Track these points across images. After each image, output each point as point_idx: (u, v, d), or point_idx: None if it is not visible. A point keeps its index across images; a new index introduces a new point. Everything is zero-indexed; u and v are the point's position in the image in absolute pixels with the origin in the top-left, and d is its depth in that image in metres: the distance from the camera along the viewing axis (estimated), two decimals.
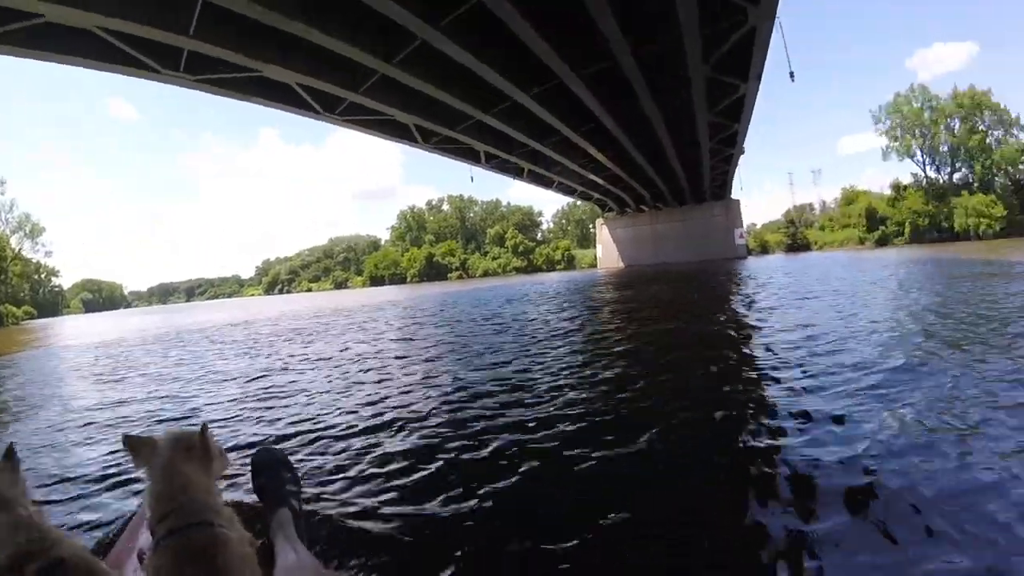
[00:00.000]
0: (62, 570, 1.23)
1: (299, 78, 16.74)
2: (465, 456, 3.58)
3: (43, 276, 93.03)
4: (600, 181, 39.97)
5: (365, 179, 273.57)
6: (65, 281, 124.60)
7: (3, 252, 65.58)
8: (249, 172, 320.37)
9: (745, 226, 56.53)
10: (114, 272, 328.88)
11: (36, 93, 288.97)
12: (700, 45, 15.79)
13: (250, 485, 2.27)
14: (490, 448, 3.67)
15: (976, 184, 62.02)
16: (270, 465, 2.20)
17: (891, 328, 7.00)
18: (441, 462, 3.47)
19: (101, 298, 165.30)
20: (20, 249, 70.92)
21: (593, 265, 79.79)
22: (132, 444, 1.55)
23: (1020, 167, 60.06)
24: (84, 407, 6.58)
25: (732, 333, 7.91)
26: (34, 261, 78.19)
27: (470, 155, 30.67)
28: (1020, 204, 56.76)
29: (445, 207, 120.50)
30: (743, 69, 18.74)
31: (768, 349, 6.23)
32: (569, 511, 2.73)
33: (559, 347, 7.79)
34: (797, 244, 71.56)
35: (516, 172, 36.66)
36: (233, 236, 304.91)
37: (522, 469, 3.26)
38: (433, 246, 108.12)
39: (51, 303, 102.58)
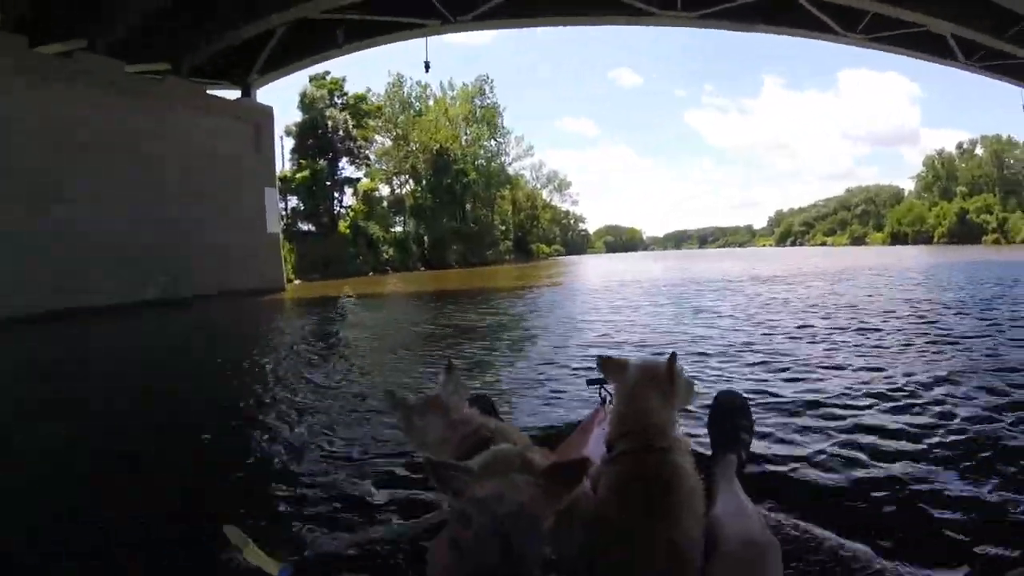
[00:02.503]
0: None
1: None
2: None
3: (572, 221, 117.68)
4: None
5: (879, 124, 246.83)
6: (591, 226, 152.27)
7: (536, 202, 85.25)
8: (754, 122, 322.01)
9: None
10: (633, 220, 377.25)
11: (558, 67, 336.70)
12: None
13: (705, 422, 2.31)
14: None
15: None
16: (729, 409, 2.23)
17: None
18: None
19: (622, 241, 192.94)
20: (551, 200, 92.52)
21: None
22: (605, 364, 1.70)
23: None
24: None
25: None
26: (563, 209, 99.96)
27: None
28: None
29: (979, 151, 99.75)
30: None
31: None
32: None
33: None
34: None
35: None
36: (742, 188, 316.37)
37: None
38: (966, 200, 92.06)
39: (579, 243, 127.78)
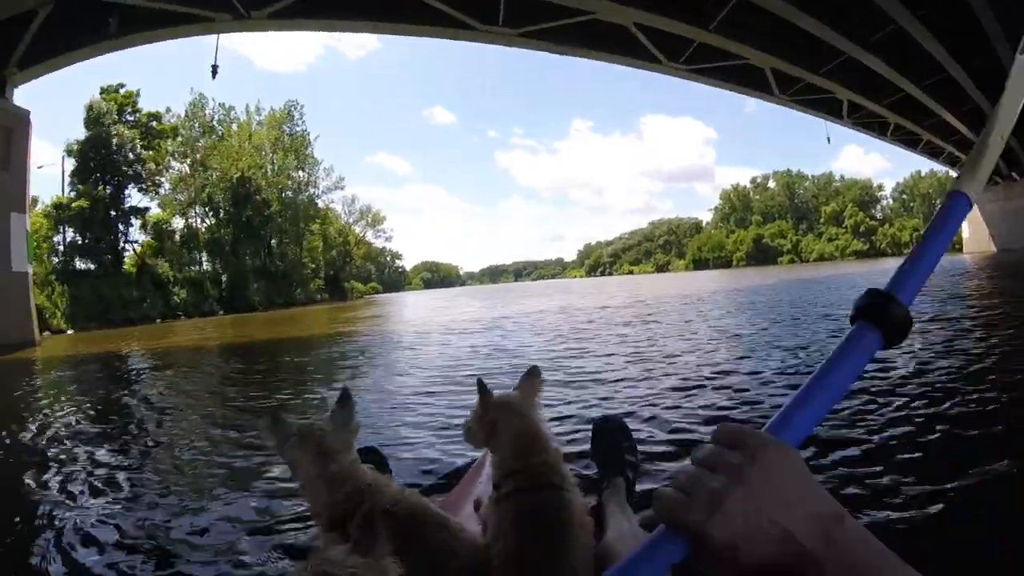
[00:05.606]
0: (384, 520, 1.14)
1: (638, 16, 15.05)
2: None
3: (387, 258, 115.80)
4: (975, 138, 32.37)
5: (677, 163, 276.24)
6: (408, 263, 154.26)
7: (347, 237, 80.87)
8: (563, 162, 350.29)
9: None
10: (450, 256, 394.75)
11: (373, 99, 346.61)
12: None
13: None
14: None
15: None
16: (610, 432, 2.19)
17: None
18: None
19: (439, 277, 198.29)
20: (364, 235, 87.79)
21: (950, 249, 68.29)
22: (486, 400, 1.54)
23: None
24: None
25: None
26: (377, 246, 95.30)
27: (830, 107, 27.06)
28: None
29: (771, 184, 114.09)
30: None
31: None
32: None
33: None
34: None
35: (880, 128, 32.05)
36: (553, 222, 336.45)
37: None
38: (761, 227, 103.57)
39: (396, 281, 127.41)
